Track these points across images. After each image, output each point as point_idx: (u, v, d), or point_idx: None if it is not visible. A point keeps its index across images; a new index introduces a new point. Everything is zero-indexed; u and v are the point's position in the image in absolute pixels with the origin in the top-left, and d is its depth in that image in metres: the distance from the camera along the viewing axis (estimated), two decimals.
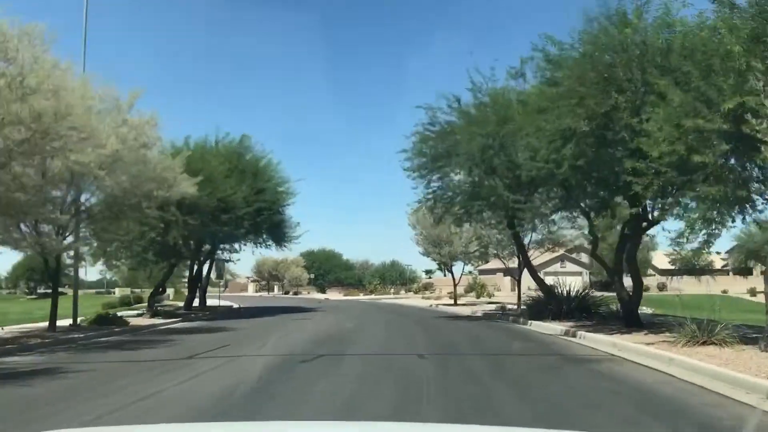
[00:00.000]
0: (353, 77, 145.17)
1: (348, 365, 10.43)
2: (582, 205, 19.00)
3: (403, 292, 69.79)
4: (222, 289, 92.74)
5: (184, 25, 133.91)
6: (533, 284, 66.50)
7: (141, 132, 16.77)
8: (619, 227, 38.31)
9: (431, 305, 37.61)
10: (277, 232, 30.10)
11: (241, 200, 26.01)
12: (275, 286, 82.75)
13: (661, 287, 74.15)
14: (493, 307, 31.88)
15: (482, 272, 78.24)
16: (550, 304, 21.22)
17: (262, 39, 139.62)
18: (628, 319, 16.98)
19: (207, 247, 29.42)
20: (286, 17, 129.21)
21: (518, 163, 20.15)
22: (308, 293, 76.63)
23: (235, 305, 44.52)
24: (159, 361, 11.37)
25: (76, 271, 23.29)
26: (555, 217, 24.41)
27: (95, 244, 23.81)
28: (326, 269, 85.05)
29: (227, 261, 35.40)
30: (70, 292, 67.38)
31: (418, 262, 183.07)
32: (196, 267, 30.81)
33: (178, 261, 26.54)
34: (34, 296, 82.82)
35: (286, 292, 77.68)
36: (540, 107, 15.91)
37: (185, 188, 17.70)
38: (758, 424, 6.30)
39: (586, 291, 22.40)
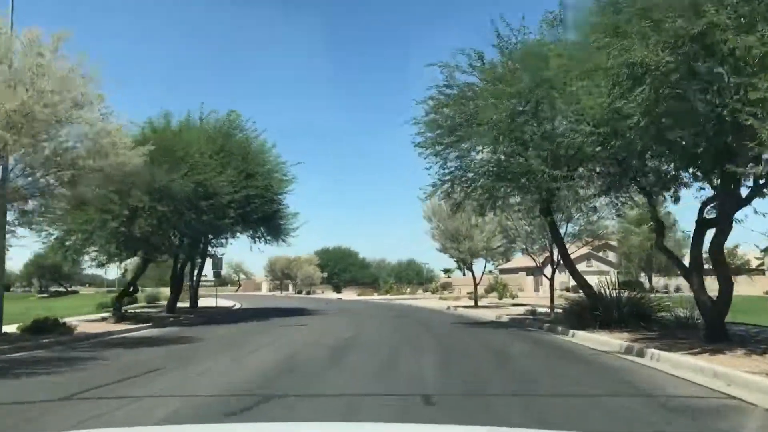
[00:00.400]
0: (358, 75, 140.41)
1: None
2: (641, 180, 14.44)
3: (420, 291, 65.32)
4: (236, 287, 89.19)
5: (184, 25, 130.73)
6: (562, 284, 61.01)
7: (69, 85, 12.61)
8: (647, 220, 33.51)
9: (449, 307, 33.13)
10: (272, 223, 25.79)
11: (226, 185, 21.81)
12: (290, 286, 78.69)
13: None
14: (520, 310, 27.33)
15: (503, 271, 73.31)
16: (596, 308, 16.68)
17: (267, 37, 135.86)
18: (711, 331, 12.43)
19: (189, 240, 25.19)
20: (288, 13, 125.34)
21: (555, 134, 15.84)
22: (322, 292, 72.53)
23: (237, 305, 40.52)
24: (17, 404, 7.12)
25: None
26: (597, 202, 19.89)
27: (55, 234, 20.02)
28: (341, 268, 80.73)
29: (210, 256, 31.15)
30: (83, 290, 60.64)
31: (437, 261, 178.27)
32: (180, 263, 26.68)
33: (152, 256, 22.38)
34: (45, 295, 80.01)
35: (299, 292, 73.59)
36: (595, 43, 11.41)
37: (128, 159, 13.43)
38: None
39: (640, 294, 17.69)
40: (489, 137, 16.80)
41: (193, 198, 20.33)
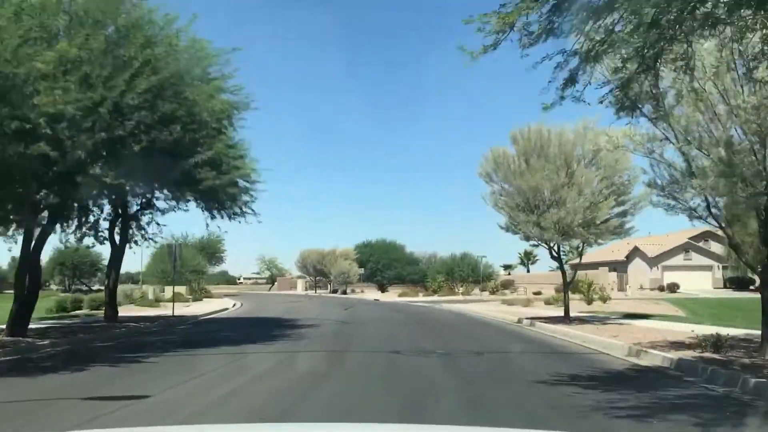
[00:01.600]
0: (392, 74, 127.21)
1: None
2: None
3: (476, 291, 51.99)
4: (269, 286, 78.07)
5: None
6: (653, 282, 45.84)
7: None
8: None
9: (521, 320, 20.11)
10: (174, 169, 13.02)
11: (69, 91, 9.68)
12: (329, 284, 66.58)
13: None
14: (662, 331, 14.24)
15: (573, 267, 58.27)
16: None
17: (279, 35, 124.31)
18: None
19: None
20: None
21: None
22: (362, 292, 60.26)
23: (226, 310, 28.85)
24: None
25: None
26: None
27: None
28: (384, 263, 67.89)
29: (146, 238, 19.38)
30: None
31: (496, 254, 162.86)
32: (34, 243, 14.50)
33: None
34: (67, 292, 71.25)
35: (334, 291, 61.47)
36: None
37: None
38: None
39: None
40: None
41: None
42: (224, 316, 25.73)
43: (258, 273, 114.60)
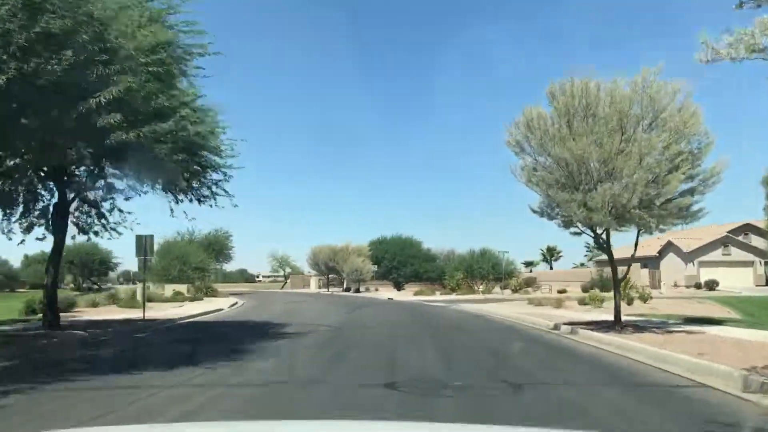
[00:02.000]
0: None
1: None
2: None
3: (497, 289, 47.73)
4: (282, 283, 74.52)
5: None
6: (689, 279, 40.59)
7: None
8: None
9: (557, 326, 15.99)
10: (89, 127, 8.96)
11: None
12: (344, 281, 62.70)
13: None
14: (763, 345, 10.18)
15: (600, 264, 53.71)
16: None
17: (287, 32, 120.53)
18: None
19: None
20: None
21: None
22: (376, 290, 56.36)
23: (223, 309, 25.28)
24: None
25: None
26: None
27: None
28: (400, 260, 63.75)
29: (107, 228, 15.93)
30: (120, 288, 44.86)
31: (513, 250, 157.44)
32: None
33: None
34: (78, 292, 68.52)
35: (347, 289, 57.59)
36: None
37: None
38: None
39: None
40: None
41: None
42: (209, 319, 22.01)
43: (275, 271, 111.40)
